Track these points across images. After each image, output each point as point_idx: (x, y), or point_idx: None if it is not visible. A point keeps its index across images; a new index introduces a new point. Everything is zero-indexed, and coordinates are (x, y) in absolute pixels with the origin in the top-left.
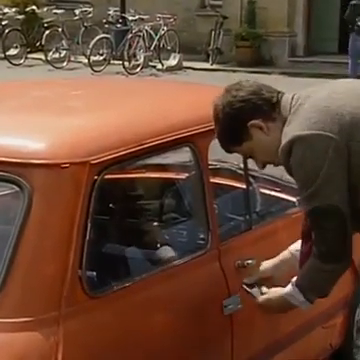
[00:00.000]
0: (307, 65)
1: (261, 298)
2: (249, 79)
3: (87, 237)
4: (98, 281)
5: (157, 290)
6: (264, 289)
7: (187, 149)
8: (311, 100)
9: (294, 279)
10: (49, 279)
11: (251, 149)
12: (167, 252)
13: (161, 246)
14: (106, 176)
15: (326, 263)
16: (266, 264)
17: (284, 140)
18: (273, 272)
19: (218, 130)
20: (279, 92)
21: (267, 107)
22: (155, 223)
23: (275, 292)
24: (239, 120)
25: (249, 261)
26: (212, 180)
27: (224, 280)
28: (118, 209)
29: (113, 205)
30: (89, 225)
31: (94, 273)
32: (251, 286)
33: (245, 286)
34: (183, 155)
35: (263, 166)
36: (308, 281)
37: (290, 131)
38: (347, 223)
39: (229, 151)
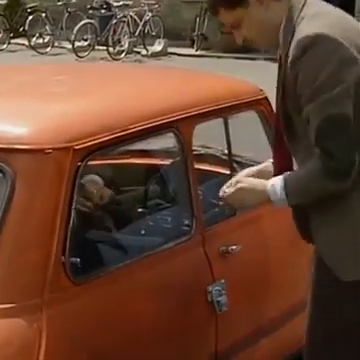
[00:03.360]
0: None
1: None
2: (234, 65)
3: (71, 223)
4: (82, 267)
5: (141, 276)
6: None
7: (171, 135)
8: (330, 13)
9: (285, 175)
10: (32, 265)
11: (240, 19)
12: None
13: (145, 232)
14: (90, 162)
15: (332, 180)
16: (249, 170)
17: (302, 34)
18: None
19: None
20: None
21: None
22: (139, 209)
23: (256, 183)
24: None
25: (233, 247)
26: (196, 166)
27: (208, 266)
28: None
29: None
30: (73, 211)
31: (78, 259)
32: None
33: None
34: (167, 141)
35: (243, 42)
36: (300, 188)
37: (311, 27)
38: (355, 138)
39: (216, 13)
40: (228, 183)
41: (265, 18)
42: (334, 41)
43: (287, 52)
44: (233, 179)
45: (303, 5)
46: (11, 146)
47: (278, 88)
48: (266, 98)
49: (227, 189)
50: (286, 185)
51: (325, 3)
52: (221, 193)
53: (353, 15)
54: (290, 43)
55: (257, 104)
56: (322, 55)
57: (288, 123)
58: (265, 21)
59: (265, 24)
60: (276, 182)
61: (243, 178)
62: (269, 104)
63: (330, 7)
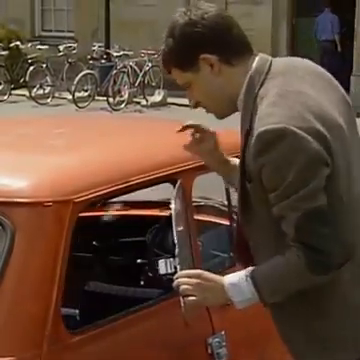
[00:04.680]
0: None
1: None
2: (233, 116)
3: (70, 275)
4: (81, 319)
5: (141, 327)
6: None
7: (171, 186)
8: (292, 92)
9: (249, 270)
10: (31, 317)
11: (191, 82)
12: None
13: (145, 283)
14: (89, 214)
15: (316, 273)
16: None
17: (262, 125)
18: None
19: (168, 46)
20: (251, 48)
21: (229, 48)
22: (138, 260)
23: (213, 277)
24: (193, 46)
25: None
26: (196, 217)
27: (208, 317)
28: (101, 246)
29: (96, 242)
30: (72, 263)
31: (77, 311)
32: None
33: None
34: (167, 192)
35: (195, 106)
36: (276, 284)
37: (272, 118)
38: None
39: (169, 71)
40: (185, 272)
41: (215, 84)
42: (297, 136)
43: (248, 130)
44: (193, 272)
45: (265, 76)
46: (11, 199)
47: (240, 165)
48: None
49: (183, 279)
50: (256, 283)
51: (290, 68)
52: (176, 282)
53: None
54: (251, 122)
55: None
56: (287, 153)
57: (245, 206)
58: (215, 88)
59: (215, 91)
60: (236, 280)
61: (204, 273)
62: None
63: (295, 77)
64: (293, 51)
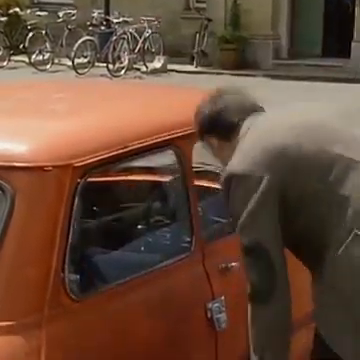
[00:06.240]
0: (291, 68)
1: None
2: (233, 82)
3: (70, 240)
4: (82, 284)
5: (141, 293)
6: None
7: (171, 152)
8: (254, 133)
9: None
10: (32, 282)
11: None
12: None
13: (145, 249)
14: (89, 179)
15: (255, 307)
16: None
17: (224, 172)
18: None
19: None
20: (253, 112)
21: (226, 128)
22: (139, 226)
23: None
24: (202, 129)
25: (233, 264)
26: (196, 183)
27: (208, 283)
28: (102, 212)
29: (97, 208)
30: (72, 228)
31: (77, 276)
32: None
33: None
34: (167, 158)
35: None
36: (256, 338)
37: (230, 163)
38: (273, 260)
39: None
40: None
41: (223, 157)
42: (240, 176)
43: None
44: None
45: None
46: (11, 164)
47: None
48: None
49: None
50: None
51: (260, 124)
52: None
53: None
54: None
55: None
56: (233, 191)
57: None
58: (225, 158)
59: (224, 159)
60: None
61: None
62: None
63: (258, 130)
64: (294, 10)
